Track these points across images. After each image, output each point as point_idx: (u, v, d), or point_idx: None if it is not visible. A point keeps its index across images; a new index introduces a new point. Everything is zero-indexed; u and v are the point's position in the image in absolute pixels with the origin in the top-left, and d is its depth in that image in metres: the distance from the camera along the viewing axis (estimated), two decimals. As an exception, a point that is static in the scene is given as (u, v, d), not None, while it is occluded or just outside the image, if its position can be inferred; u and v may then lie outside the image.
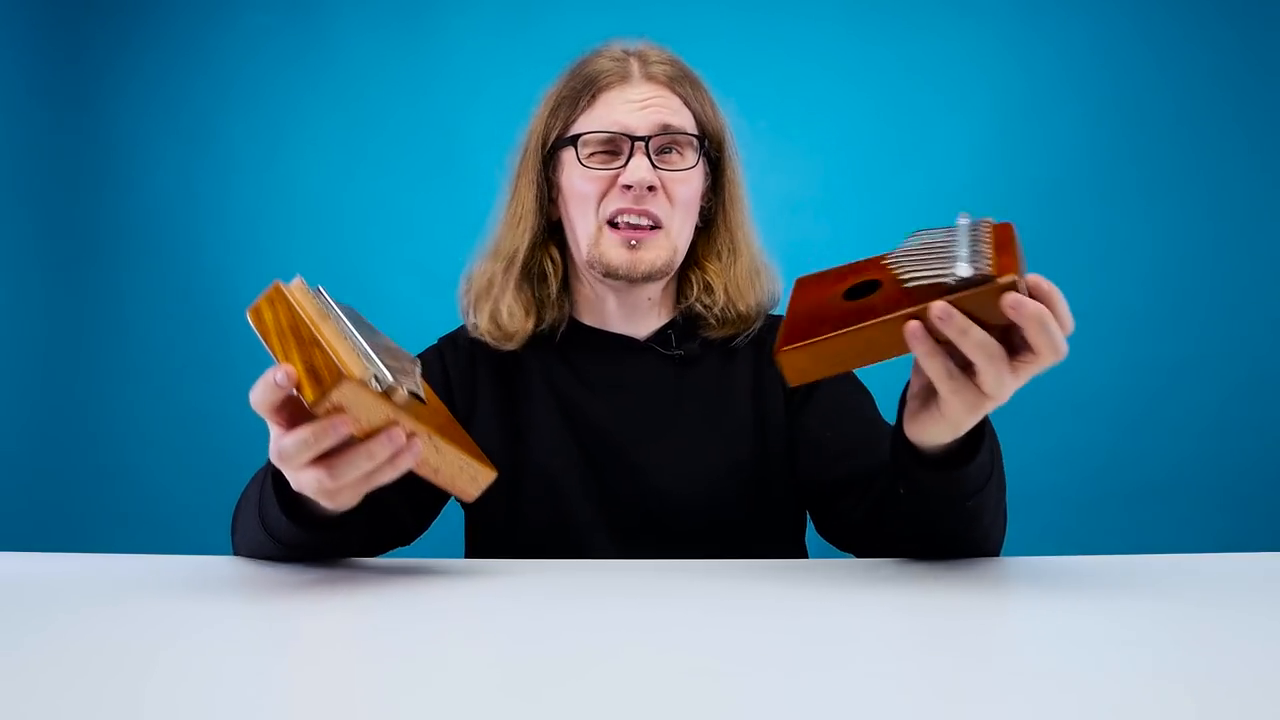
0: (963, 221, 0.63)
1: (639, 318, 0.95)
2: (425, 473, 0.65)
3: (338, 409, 0.57)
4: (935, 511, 0.69)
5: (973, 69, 2.02)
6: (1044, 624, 0.54)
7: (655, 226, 0.88)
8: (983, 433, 0.67)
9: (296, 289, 0.64)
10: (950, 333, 0.56)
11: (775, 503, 0.92)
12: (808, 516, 0.96)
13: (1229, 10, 1.97)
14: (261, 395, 0.58)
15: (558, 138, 0.91)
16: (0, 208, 2.10)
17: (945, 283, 0.57)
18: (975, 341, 0.56)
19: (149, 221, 2.19)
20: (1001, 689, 0.41)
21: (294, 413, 0.60)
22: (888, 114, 2.04)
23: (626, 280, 0.89)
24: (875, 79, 2.05)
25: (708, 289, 0.94)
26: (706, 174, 0.94)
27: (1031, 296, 0.56)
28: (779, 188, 2.01)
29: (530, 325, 0.92)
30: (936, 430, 0.63)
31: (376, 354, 0.61)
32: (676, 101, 0.90)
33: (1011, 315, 0.55)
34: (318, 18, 2.17)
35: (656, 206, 0.87)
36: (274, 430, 0.60)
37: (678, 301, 0.97)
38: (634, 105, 0.88)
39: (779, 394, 0.94)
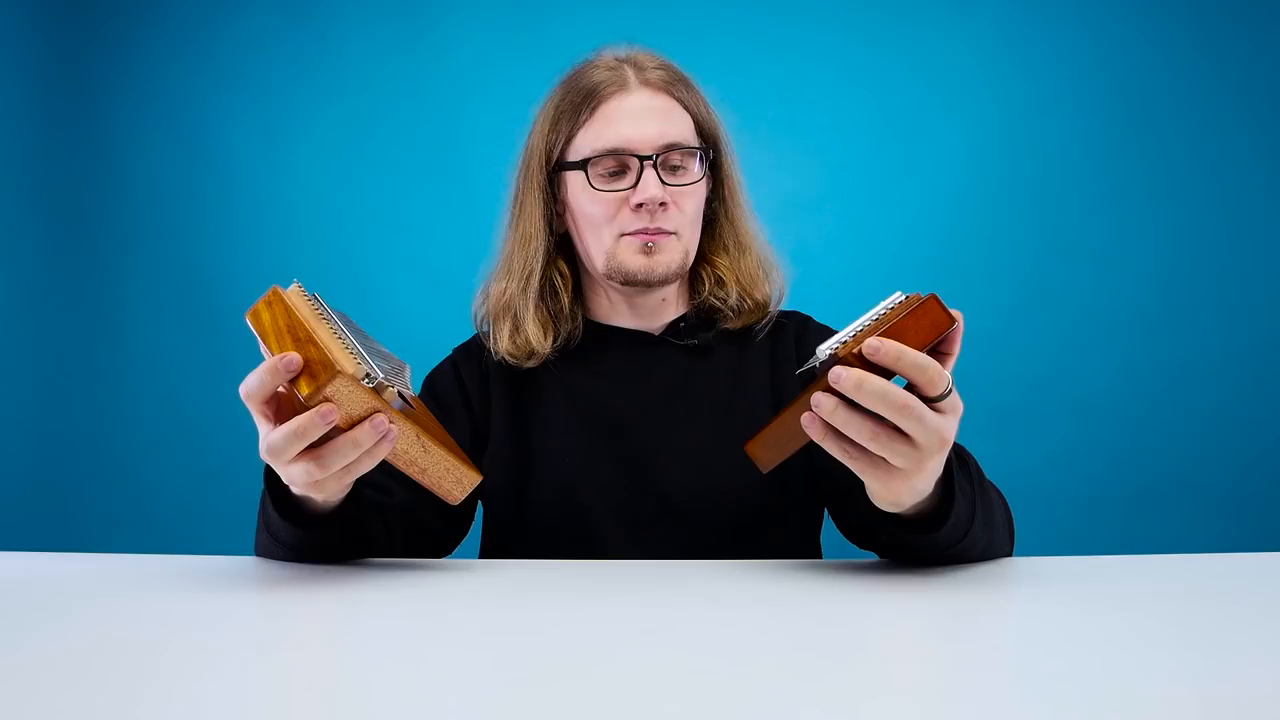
0: (885, 301, 0.62)
1: (653, 316, 0.97)
2: (413, 472, 0.67)
3: (328, 402, 0.59)
4: (919, 559, 0.71)
5: (973, 69, 2.02)
6: (1045, 624, 0.54)
7: (669, 233, 0.90)
8: (954, 490, 0.66)
9: (293, 293, 0.66)
10: (834, 419, 0.57)
11: (791, 495, 0.92)
12: (824, 515, 0.97)
13: (1230, 10, 1.97)
14: (258, 382, 0.60)
15: (560, 155, 0.91)
16: (1, 208, 2.10)
17: (813, 367, 0.60)
18: (861, 412, 0.57)
19: (149, 222, 2.19)
20: (1002, 689, 0.41)
21: (280, 408, 0.62)
22: (888, 114, 2.04)
23: (645, 284, 0.91)
24: (875, 79, 2.05)
25: (719, 282, 0.96)
26: (708, 176, 0.95)
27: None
28: (779, 188, 2.01)
29: (549, 343, 0.93)
30: (884, 503, 0.63)
31: (369, 355, 0.63)
32: (677, 108, 0.91)
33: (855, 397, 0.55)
34: (318, 19, 2.17)
35: (668, 221, 0.89)
36: (262, 426, 0.62)
37: (691, 298, 0.99)
38: (635, 117, 0.88)
39: (796, 387, 0.94)
